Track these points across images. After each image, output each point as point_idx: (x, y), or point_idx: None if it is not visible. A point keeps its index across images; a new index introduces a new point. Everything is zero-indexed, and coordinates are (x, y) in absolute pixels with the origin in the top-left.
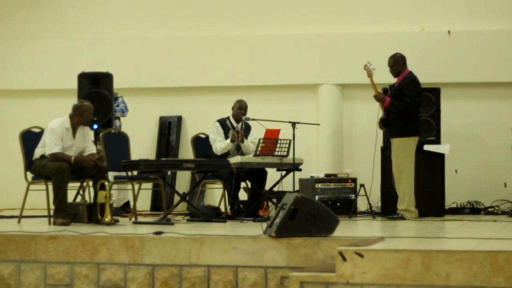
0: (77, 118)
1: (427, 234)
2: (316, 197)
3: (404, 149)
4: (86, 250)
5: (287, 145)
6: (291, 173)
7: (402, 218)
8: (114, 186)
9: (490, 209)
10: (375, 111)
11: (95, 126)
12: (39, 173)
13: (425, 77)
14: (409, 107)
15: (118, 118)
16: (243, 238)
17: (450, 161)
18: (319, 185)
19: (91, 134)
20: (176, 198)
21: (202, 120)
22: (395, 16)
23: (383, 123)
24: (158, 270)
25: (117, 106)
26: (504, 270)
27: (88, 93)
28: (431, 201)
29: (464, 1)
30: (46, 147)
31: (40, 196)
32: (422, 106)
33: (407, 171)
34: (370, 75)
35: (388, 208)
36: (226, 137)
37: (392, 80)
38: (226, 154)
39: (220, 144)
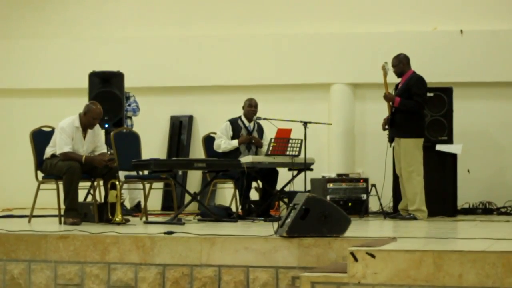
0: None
1: (439, 235)
2: (328, 197)
3: (413, 149)
4: (96, 250)
5: (298, 145)
6: (303, 173)
7: (414, 218)
8: (125, 186)
9: (502, 210)
10: (387, 111)
11: (106, 126)
12: (50, 173)
13: (437, 77)
14: (419, 105)
15: (130, 117)
16: (254, 238)
17: (462, 161)
18: (330, 185)
19: (102, 134)
20: (187, 198)
21: (214, 119)
22: (407, 15)
23: (390, 122)
24: (169, 270)
25: (129, 105)
26: None
27: (98, 92)
28: (443, 201)
29: (476, 0)
30: (56, 147)
31: (51, 196)
32: (433, 106)
33: (417, 171)
34: (385, 74)
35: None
36: (237, 136)
37: (397, 80)
38: (238, 154)
39: (225, 144)
